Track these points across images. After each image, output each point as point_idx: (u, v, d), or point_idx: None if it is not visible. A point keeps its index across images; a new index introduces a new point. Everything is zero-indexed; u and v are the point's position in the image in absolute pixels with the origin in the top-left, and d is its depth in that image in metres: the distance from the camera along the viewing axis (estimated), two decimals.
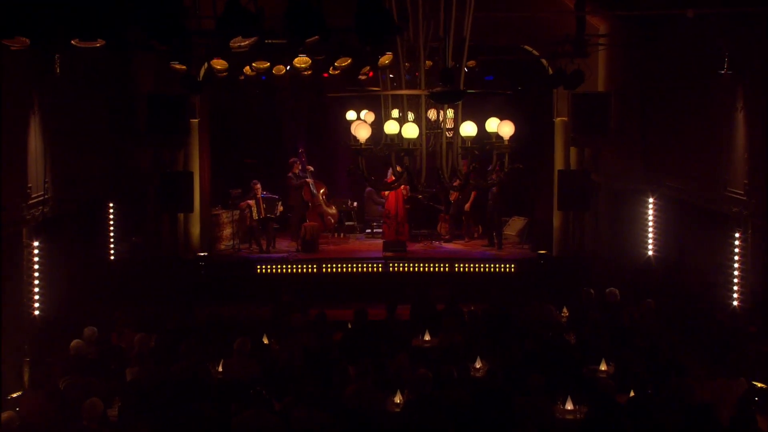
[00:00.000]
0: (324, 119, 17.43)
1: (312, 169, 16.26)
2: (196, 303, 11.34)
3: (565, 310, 10.89)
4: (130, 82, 13.16)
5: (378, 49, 8.65)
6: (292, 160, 16.13)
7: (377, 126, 8.00)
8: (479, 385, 7.67)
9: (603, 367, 8.41)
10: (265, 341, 9.35)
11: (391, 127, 7.58)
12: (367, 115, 9.11)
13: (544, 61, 13.73)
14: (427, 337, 9.78)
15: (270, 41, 7.67)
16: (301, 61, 9.38)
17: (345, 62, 9.43)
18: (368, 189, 16.51)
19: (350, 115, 9.91)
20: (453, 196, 15.88)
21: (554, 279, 13.23)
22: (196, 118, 14.11)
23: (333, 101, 15.84)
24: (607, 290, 10.80)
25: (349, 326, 10.04)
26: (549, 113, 14.34)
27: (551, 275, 13.47)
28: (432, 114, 7.70)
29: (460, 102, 7.35)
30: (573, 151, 14.10)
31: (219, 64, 9.45)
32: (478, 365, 8.59)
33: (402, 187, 15.25)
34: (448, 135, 7.52)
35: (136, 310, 10.52)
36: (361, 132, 7.39)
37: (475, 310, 10.78)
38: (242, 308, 11.65)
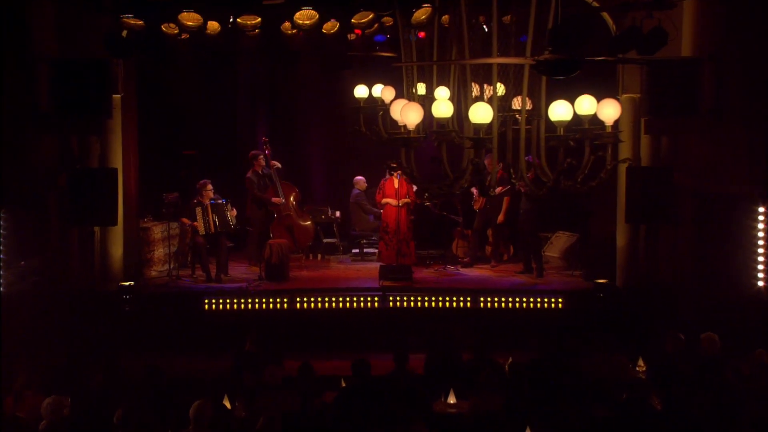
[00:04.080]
0: (296, 96, 17.52)
1: (279, 165, 16.32)
2: (122, 352, 11.24)
3: (641, 362, 10.89)
4: (26, 42, 13.09)
5: None
6: (252, 153, 16.16)
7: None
8: None
9: None
10: (227, 405, 9.30)
11: (442, 109, 7.58)
12: (386, 91, 9.21)
13: (606, 15, 13.80)
14: (452, 400, 9.79)
15: None
16: (305, 15, 9.50)
17: (365, 18, 9.57)
18: (356, 192, 16.61)
19: (360, 90, 9.99)
20: (477, 203, 15.97)
21: (620, 319, 13.26)
22: (119, 93, 14.04)
23: (310, 73, 15.95)
24: (703, 336, 10.77)
25: (343, 383, 10.06)
26: (611, 88, 14.39)
27: (615, 313, 13.51)
28: (476, 89, 7.76)
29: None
30: (646, 140, 14.08)
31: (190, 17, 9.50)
32: None
33: (406, 189, 15.38)
34: (519, 118, 7.58)
35: (39, 364, 10.41)
36: (411, 116, 7.40)
37: (517, 362, 10.79)
38: (188, 360, 11.69)
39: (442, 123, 7.63)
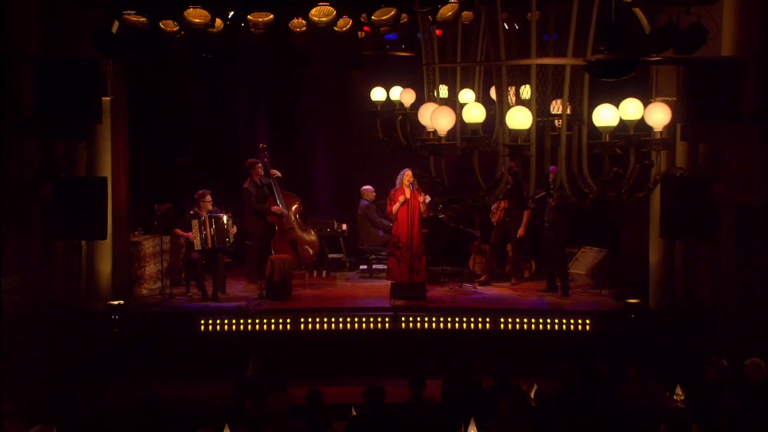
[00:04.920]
0: (300, 99, 17.52)
1: (279, 174, 16.33)
2: (112, 378, 11.34)
3: (679, 390, 10.82)
4: (7, 39, 13.04)
5: None
6: (250, 161, 16.16)
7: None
8: None
9: None
10: None
11: (473, 114, 7.54)
12: (406, 94, 9.19)
13: (639, 11, 13.75)
14: (472, 430, 9.72)
15: None
16: (322, 12, 9.51)
17: (387, 14, 9.57)
18: (365, 204, 16.62)
19: (377, 93, 9.97)
20: (495, 216, 15.93)
21: (655, 343, 13.25)
22: (108, 96, 14.07)
23: (315, 74, 15.97)
24: (747, 362, 10.68)
25: (354, 412, 10.06)
26: (643, 91, 14.34)
27: (650, 337, 13.50)
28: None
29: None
30: (681, 147, 14.05)
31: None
32: None
33: (420, 200, 15.35)
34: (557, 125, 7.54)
35: (22, 391, 10.38)
36: (442, 121, 7.38)
37: (543, 390, 10.76)
38: (183, 386, 11.75)
39: (473, 128, 7.58)
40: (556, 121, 7.63)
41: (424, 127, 8.35)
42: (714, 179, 13.65)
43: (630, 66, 7.18)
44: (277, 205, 15.93)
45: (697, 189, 13.49)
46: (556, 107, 7.65)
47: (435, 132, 7.50)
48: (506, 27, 9.04)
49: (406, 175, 15.48)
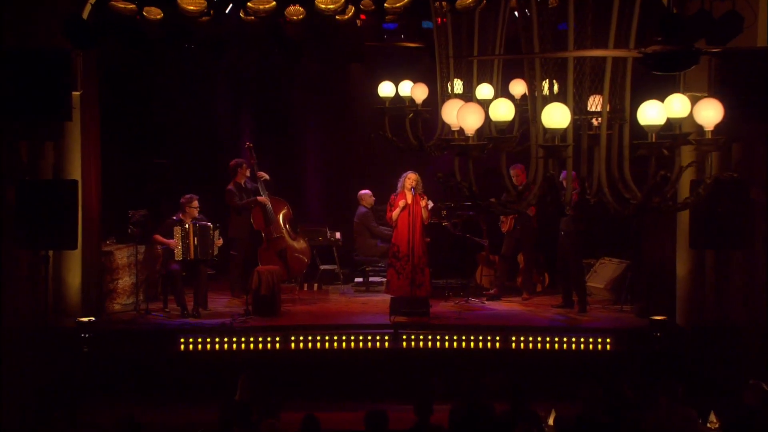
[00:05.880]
0: (289, 94, 17.51)
1: (267, 177, 16.31)
2: (81, 404, 11.32)
3: (713, 417, 10.76)
4: None
5: None
6: (234, 162, 16.14)
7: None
8: None
9: None
10: None
11: (501, 111, 7.45)
12: (417, 90, 9.11)
13: None
14: None
15: None
16: None
17: (400, 1, 9.53)
18: (362, 211, 16.57)
19: (386, 88, 9.89)
20: (505, 225, 15.89)
21: (684, 364, 13.18)
22: (78, 90, 13.97)
23: (307, 67, 15.94)
24: None
25: None
26: (669, 85, 14.29)
27: (677, 357, 13.43)
28: (519, 86, 7.66)
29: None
30: None
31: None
32: None
33: (423, 204, 15.26)
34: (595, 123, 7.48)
35: None
36: (470, 119, 7.29)
37: (562, 416, 10.72)
38: (163, 412, 11.75)
39: (500, 127, 7.51)
40: (593, 120, 7.55)
41: (436, 126, 8.29)
42: (750, 183, 13.60)
43: (692, 58, 7.19)
44: (264, 213, 15.83)
45: (730, 194, 13.36)
46: (593, 104, 7.57)
47: (459, 131, 7.40)
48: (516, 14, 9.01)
49: (409, 179, 15.38)
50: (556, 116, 7.22)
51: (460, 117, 7.37)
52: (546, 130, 7.24)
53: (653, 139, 7.38)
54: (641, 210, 7.68)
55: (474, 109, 7.39)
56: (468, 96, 8.74)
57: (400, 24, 14.46)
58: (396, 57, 15.10)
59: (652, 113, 7.41)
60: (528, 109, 7.86)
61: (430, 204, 15.68)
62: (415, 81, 10.08)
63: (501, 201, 7.49)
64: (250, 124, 18.15)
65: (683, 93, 14.06)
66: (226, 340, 13.84)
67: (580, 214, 14.57)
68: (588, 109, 7.54)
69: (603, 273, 16.48)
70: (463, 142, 7.34)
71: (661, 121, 7.45)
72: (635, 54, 7.43)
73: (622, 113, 7.53)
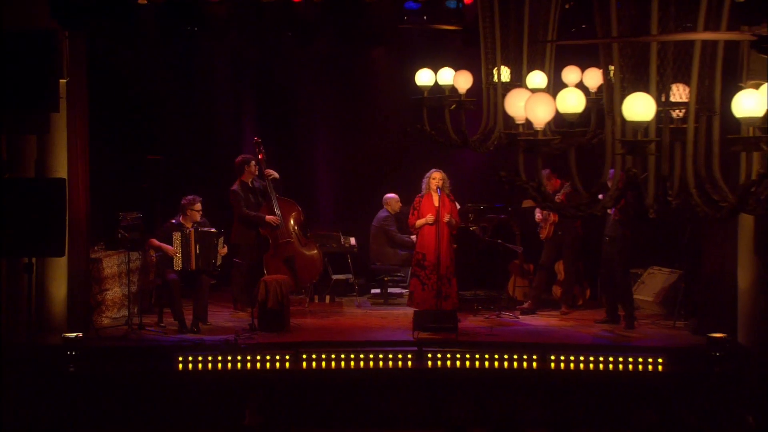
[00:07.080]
0: (300, 83, 17.58)
1: (276, 176, 16.33)
2: (68, 428, 11.31)
3: None
4: None
5: None
6: (241, 158, 16.14)
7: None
8: None
9: None
10: None
11: (570, 101, 7.47)
12: (461, 78, 9.11)
13: None
14: None
15: None
16: None
17: None
18: (383, 215, 16.52)
19: (424, 76, 9.90)
20: (544, 231, 15.84)
21: (750, 387, 13.11)
22: (64, 77, 13.98)
23: (320, 51, 15.97)
24: None
25: None
26: (730, 74, 14.29)
27: (742, 380, 13.35)
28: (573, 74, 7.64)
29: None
30: None
31: None
32: None
33: (449, 208, 15.19)
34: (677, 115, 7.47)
35: None
36: (540, 110, 7.27)
37: None
38: None
39: (570, 120, 7.52)
40: (675, 112, 7.54)
41: (480, 119, 8.26)
42: None
43: None
44: (272, 214, 15.84)
45: None
46: (677, 94, 7.57)
47: (523, 125, 7.41)
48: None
49: (433, 178, 15.18)
50: (639, 107, 7.16)
51: (529, 108, 7.37)
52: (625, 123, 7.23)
53: (752, 133, 7.33)
54: (735, 214, 7.64)
55: (545, 100, 7.38)
56: (517, 85, 8.73)
57: (422, 3, 14.44)
58: (419, 41, 15.06)
59: (749, 104, 7.36)
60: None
61: (456, 206, 15.58)
62: (439, 67, 10.07)
63: (572, 204, 7.47)
64: (252, 116, 18.14)
65: (745, 81, 14.17)
66: (229, 358, 13.73)
67: (626, 217, 14.59)
68: (671, 99, 7.53)
69: (652, 284, 16.44)
70: (531, 137, 7.34)
71: (761, 113, 7.41)
72: (749, 37, 7.34)
73: (710, 104, 7.49)
